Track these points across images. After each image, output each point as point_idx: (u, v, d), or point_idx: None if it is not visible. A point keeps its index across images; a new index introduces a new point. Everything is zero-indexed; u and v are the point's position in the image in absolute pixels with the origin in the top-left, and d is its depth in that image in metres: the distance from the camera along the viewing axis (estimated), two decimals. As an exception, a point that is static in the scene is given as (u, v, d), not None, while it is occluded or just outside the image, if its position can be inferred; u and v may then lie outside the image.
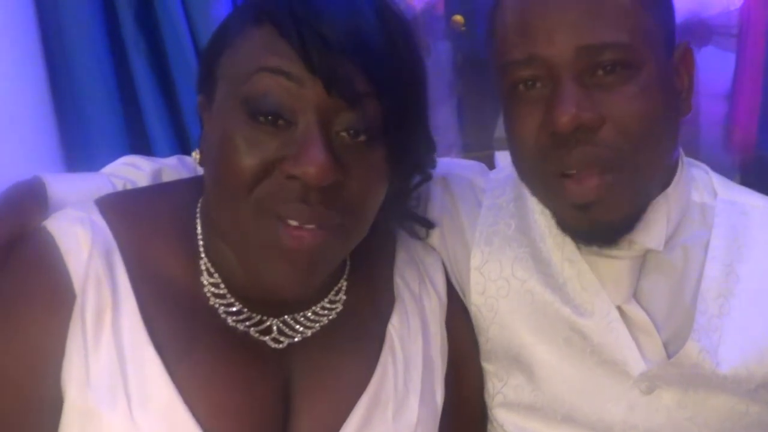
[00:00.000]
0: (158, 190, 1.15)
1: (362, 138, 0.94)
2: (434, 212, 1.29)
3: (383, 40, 0.93)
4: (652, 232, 1.13)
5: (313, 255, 0.94)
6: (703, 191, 1.22)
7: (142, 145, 1.60)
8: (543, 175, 1.08)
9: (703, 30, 2.68)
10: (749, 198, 1.23)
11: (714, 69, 2.66)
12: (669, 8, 1.12)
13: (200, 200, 1.08)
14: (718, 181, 1.25)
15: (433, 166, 1.15)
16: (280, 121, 0.91)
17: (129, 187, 1.14)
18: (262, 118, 0.90)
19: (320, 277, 1.00)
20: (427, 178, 1.16)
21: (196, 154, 1.03)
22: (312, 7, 0.90)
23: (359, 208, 0.97)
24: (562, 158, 1.04)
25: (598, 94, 1.02)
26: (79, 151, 1.58)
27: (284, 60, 0.89)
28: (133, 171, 1.18)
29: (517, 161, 1.14)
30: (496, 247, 1.24)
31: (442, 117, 2.99)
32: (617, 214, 1.06)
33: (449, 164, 1.37)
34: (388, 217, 1.10)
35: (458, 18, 2.87)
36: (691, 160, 1.25)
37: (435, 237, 1.28)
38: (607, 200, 1.04)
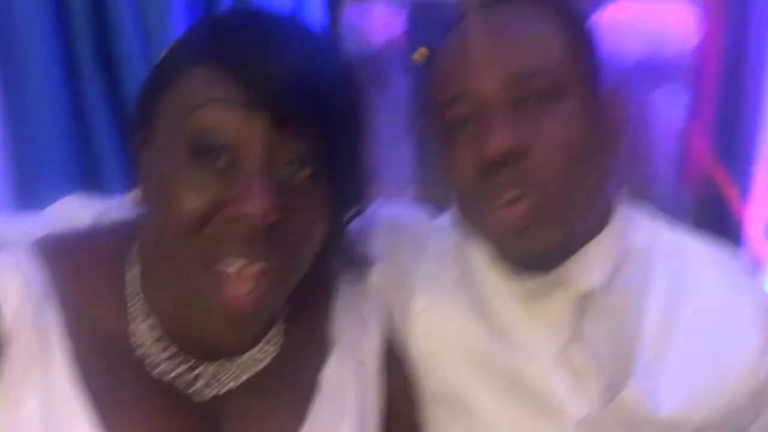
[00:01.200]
0: (97, 231, 1.13)
1: (306, 172, 0.94)
2: (377, 257, 1.30)
3: (326, 74, 0.94)
4: (589, 274, 1.15)
5: (255, 307, 0.94)
6: (644, 234, 1.24)
7: (93, 180, 1.60)
8: (477, 207, 1.11)
9: (658, 69, 2.73)
10: (690, 241, 1.26)
11: (669, 107, 2.70)
12: (593, 48, 1.16)
13: (137, 241, 1.07)
14: (659, 223, 1.27)
15: (369, 204, 1.16)
16: (224, 159, 0.90)
17: (71, 227, 1.12)
18: (203, 158, 0.90)
19: (260, 326, 1.02)
20: (362, 212, 1.15)
21: (134, 196, 1.02)
22: (256, 43, 0.91)
23: (301, 245, 0.97)
24: (492, 187, 1.06)
25: (525, 122, 1.05)
26: (30, 185, 1.57)
27: (230, 91, 0.89)
28: (75, 212, 1.17)
29: (456, 202, 1.17)
30: (438, 293, 1.25)
31: (400, 152, 3.01)
32: (547, 241, 1.08)
33: (393, 210, 1.39)
34: (326, 256, 1.10)
35: (422, 51, 2.89)
36: (634, 202, 1.27)
37: (376, 282, 1.28)
38: (535, 227, 1.06)
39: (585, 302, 1.18)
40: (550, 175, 1.05)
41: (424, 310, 1.25)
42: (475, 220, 1.15)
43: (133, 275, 1.05)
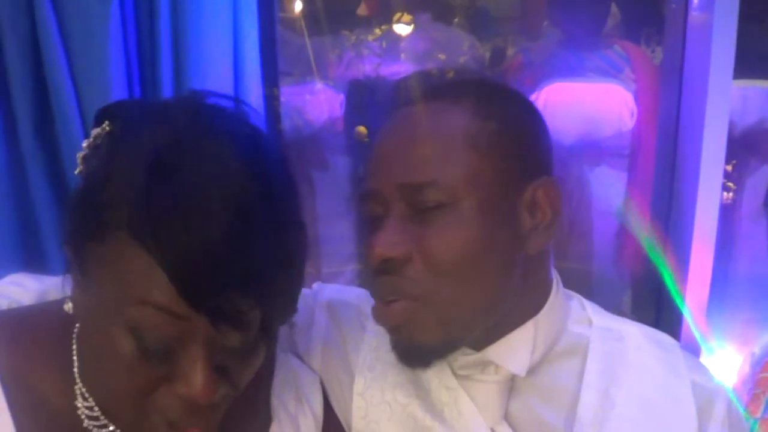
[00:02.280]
0: (40, 310, 1.11)
1: (248, 349, 0.93)
2: (318, 338, 1.29)
3: (266, 255, 0.88)
4: (514, 357, 1.14)
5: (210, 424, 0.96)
6: (578, 320, 1.24)
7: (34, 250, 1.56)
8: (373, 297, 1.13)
9: (596, 150, 2.79)
10: (623, 325, 1.26)
11: (606, 187, 2.76)
12: (519, 142, 1.12)
13: (77, 325, 1.05)
14: (592, 309, 1.27)
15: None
16: (164, 351, 0.88)
17: (14, 306, 1.11)
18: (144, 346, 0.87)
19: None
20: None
21: (68, 307, 0.98)
22: (191, 240, 0.84)
23: (243, 383, 0.97)
24: (377, 284, 1.08)
25: (415, 228, 1.05)
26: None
27: (168, 297, 0.84)
28: (19, 291, 1.14)
29: None
30: (378, 373, 1.23)
31: (340, 230, 3.02)
32: (424, 339, 1.08)
33: (335, 290, 1.38)
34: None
35: (362, 129, 2.92)
36: (567, 291, 1.27)
37: (317, 361, 1.27)
38: (412, 324, 1.07)
39: (514, 382, 1.17)
40: (428, 282, 1.06)
41: (364, 392, 1.23)
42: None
43: (74, 357, 1.04)
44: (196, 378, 0.87)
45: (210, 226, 0.83)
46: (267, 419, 1.15)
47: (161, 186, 0.85)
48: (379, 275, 1.07)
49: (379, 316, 1.09)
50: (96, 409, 1.01)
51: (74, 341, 1.04)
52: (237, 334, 0.89)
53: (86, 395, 1.01)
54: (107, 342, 0.88)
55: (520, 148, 1.12)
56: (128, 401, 0.91)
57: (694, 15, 1.86)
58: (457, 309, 1.08)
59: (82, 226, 0.91)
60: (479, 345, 1.14)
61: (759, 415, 1.36)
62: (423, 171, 1.05)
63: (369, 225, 1.12)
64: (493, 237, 1.07)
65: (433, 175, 1.05)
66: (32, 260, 1.55)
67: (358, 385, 1.23)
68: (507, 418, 1.16)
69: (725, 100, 1.80)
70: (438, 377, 1.20)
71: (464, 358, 1.16)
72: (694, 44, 1.87)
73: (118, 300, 0.87)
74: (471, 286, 1.07)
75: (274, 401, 1.17)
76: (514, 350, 1.14)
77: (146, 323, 0.86)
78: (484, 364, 1.15)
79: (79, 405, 1.01)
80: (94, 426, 1.01)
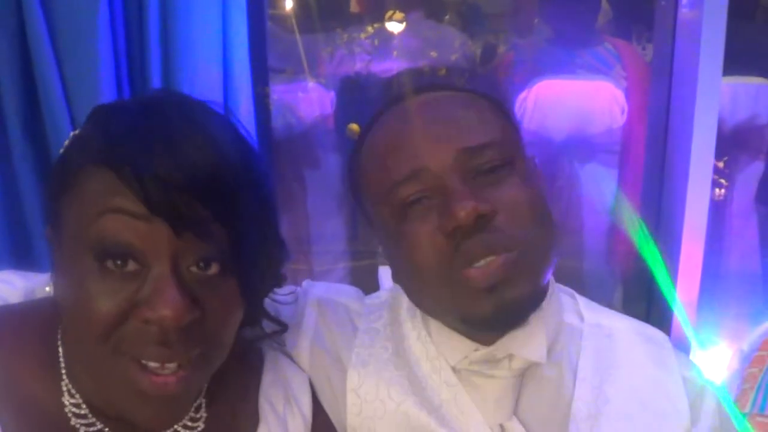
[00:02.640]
0: (26, 308, 1.11)
1: (214, 270, 0.93)
2: (307, 335, 1.29)
3: (222, 170, 0.92)
4: (533, 344, 1.15)
5: (176, 396, 0.94)
6: (571, 314, 1.26)
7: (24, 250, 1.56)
8: (446, 276, 1.10)
9: (587, 147, 2.80)
10: (613, 320, 1.28)
11: (597, 184, 2.77)
12: (517, 124, 1.22)
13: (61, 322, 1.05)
14: (584, 304, 1.30)
15: (284, 280, 1.16)
16: (131, 265, 0.89)
17: (1, 304, 1.11)
18: (111, 264, 0.88)
19: (185, 410, 1.02)
20: (279, 285, 1.16)
21: (49, 288, 1.00)
22: (147, 148, 0.88)
23: (218, 337, 0.97)
24: (463, 253, 1.07)
25: (485, 189, 1.08)
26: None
27: (128, 201, 0.87)
28: (6, 288, 1.15)
29: (416, 277, 1.15)
30: (372, 370, 1.24)
31: (332, 228, 3.02)
32: (522, 290, 1.09)
33: (324, 288, 1.39)
34: (246, 329, 1.12)
35: (354, 127, 2.92)
36: (559, 285, 1.29)
37: (305, 359, 1.27)
38: (511, 278, 1.07)
39: (524, 376, 1.19)
40: (517, 233, 1.08)
41: (358, 388, 1.24)
42: (440, 289, 1.13)
43: (60, 355, 1.04)
44: (163, 295, 0.88)
45: (170, 133, 0.90)
46: (255, 420, 1.15)
47: (122, 115, 0.94)
48: (466, 237, 1.06)
49: (477, 277, 1.07)
50: (83, 406, 1.02)
51: (60, 338, 1.05)
52: (201, 244, 0.90)
53: (73, 392, 1.02)
54: (77, 283, 0.90)
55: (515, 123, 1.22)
56: (99, 348, 0.90)
57: (684, 12, 1.86)
58: (542, 256, 1.12)
59: (55, 185, 0.95)
60: (489, 340, 1.15)
61: (747, 410, 1.36)
62: (478, 134, 1.11)
63: (409, 210, 1.11)
64: (541, 190, 1.15)
65: (487, 137, 1.11)
66: (20, 258, 1.54)
67: (352, 380, 1.24)
68: (516, 413, 1.18)
69: (714, 96, 1.80)
70: (437, 375, 1.21)
71: (476, 354, 1.16)
72: (684, 41, 1.87)
73: (84, 226, 0.89)
74: (546, 234, 1.12)
75: (262, 401, 1.17)
76: (530, 338, 1.15)
77: (109, 230, 0.88)
78: (496, 360, 1.16)
79: (66, 402, 1.01)
80: (81, 424, 1.01)
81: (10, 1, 1.46)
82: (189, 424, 1.09)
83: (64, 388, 1.02)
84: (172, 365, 0.92)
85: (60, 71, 1.48)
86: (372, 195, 1.17)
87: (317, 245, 2.99)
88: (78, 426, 1.01)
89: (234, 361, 1.06)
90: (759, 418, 1.34)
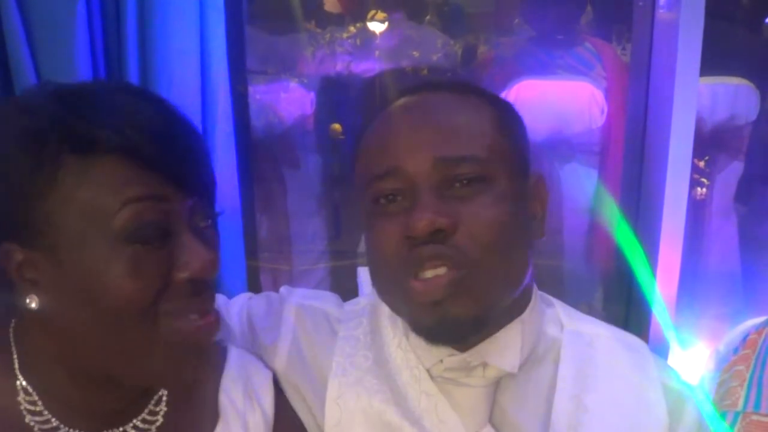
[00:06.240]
0: None
1: (209, 223, 1.03)
2: (285, 338, 1.28)
3: (196, 134, 1.04)
4: (506, 354, 1.15)
5: (210, 340, 1.04)
6: (551, 324, 1.25)
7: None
8: (397, 277, 1.10)
9: (566, 147, 2.80)
10: (594, 328, 1.27)
11: (577, 184, 2.77)
12: (522, 137, 1.19)
13: (12, 322, 1.06)
14: (564, 313, 1.28)
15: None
16: (156, 240, 0.94)
17: None
18: (138, 245, 0.92)
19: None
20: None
21: (33, 302, 0.96)
22: (154, 132, 0.95)
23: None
24: (415, 259, 1.06)
25: (454, 203, 1.07)
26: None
27: (150, 186, 0.93)
28: None
29: (375, 272, 1.16)
30: (353, 379, 1.23)
31: (312, 228, 3.02)
32: (466, 311, 1.07)
33: (303, 295, 1.38)
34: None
35: (336, 127, 2.92)
36: (541, 293, 1.28)
37: (281, 364, 1.27)
38: (455, 297, 1.06)
39: (499, 386, 1.18)
40: (472, 252, 1.06)
41: (338, 397, 1.23)
42: (394, 290, 1.14)
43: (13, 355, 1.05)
44: (198, 253, 0.97)
45: (156, 114, 0.98)
46: (215, 414, 1.16)
47: (101, 101, 0.98)
48: (420, 245, 1.06)
49: (420, 290, 1.07)
50: (39, 403, 1.03)
51: (12, 338, 1.05)
52: (203, 206, 1.01)
53: (29, 390, 1.03)
54: (101, 271, 0.92)
55: (525, 144, 1.19)
56: (139, 323, 0.94)
57: (661, 12, 1.87)
58: (496, 280, 1.09)
59: (32, 186, 0.93)
60: (461, 339, 1.14)
61: (740, 408, 1.37)
62: (459, 145, 1.09)
63: (380, 206, 1.11)
64: (519, 215, 1.11)
65: (469, 150, 1.08)
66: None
67: (332, 390, 1.23)
68: (491, 421, 1.17)
69: (692, 96, 1.82)
70: (417, 384, 1.20)
71: (451, 359, 1.15)
72: (661, 42, 1.88)
73: (101, 218, 0.92)
74: (508, 257, 1.10)
75: (222, 398, 1.17)
76: (505, 348, 1.15)
77: (136, 218, 0.92)
78: (471, 368, 1.15)
79: (22, 401, 1.02)
80: (36, 422, 1.02)
81: (-14, 4, 1.44)
82: (148, 418, 1.09)
83: (19, 388, 1.02)
84: (211, 312, 1.02)
85: (37, 71, 1.47)
86: (358, 184, 1.17)
87: (298, 245, 2.99)
88: (33, 424, 1.02)
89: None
90: (755, 416, 1.35)
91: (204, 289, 0.99)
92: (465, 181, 1.08)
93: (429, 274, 1.06)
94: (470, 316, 1.08)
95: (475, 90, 1.19)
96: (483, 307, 1.09)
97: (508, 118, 1.17)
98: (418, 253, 1.06)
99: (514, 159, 1.14)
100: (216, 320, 1.03)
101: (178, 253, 0.96)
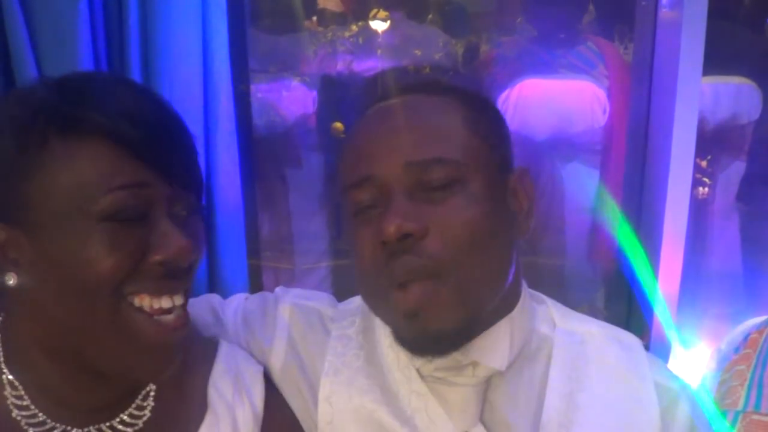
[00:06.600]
0: None
1: (191, 213, 1.05)
2: (281, 340, 1.29)
3: (179, 122, 1.05)
4: (495, 353, 1.14)
5: (175, 345, 1.04)
6: (542, 322, 1.25)
7: None
8: (377, 288, 1.10)
9: (568, 147, 2.80)
10: (586, 326, 1.26)
11: (579, 183, 2.77)
12: (500, 134, 1.18)
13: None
14: (556, 311, 1.28)
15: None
16: (134, 223, 0.97)
17: None
18: (116, 224, 0.94)
19: (176, 363, 1.06)
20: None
21: (11, 279, 0.98)
22: (140, 118, 0.98)
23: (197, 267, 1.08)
24: (390, 270, 1.06)
25: (426, 207, 1.06)
26: None
27: (133, 173, 0.96)
28: None
29: (358, 280, 1.16)
30: (344, 378, 1.23)
31: (314, 227, 3.01)
32: (444, 322, 1.07)
33: (297, 295, 1.38)
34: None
35: (338, 125, 2.92)
36: (532, 291, 1.28)
37: (278, 363, 1.27)
38: (432, 308, 1.05)
39: (489, 384, 1.18)
40: (446, 258, 1.06)
41: (330, 396, 1.23)
42: (376, 300, 1.14)
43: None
44: (172, 238, 0.98)
45: (147, 101, 1.02)
46: (203, 408, 1.16)
47: (95, 87, 1.01)
48: (393, 257, 1.05)
49: (396, 302, 1.06)
50: (26, 397, 1.03)
51: None
52: (186, 194, 1.03)
53: (16, 383, 1.04)
54: (76, 249, 0.94)
55: (504, 140, 1.18)
56: (108, 304, 0.96)
57: (664, 12, 1.87)
58: (475, 284, 1.08)
59: (18, 168, 0.96)
60: (446, 349, 1.12)
61: (740, 407, 1.37)
62: (429, 148, 1.08)
63: (359, 215, 1.11)
64: (497, 215, 1.11)
65: (439, 152, 1.08)
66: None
67: (324, 390, 1.23)
68: (481, 420, 1.17)
69: (694, 96, 1.82)
70: (408, 383, 1.20)
71: (440, 359, 1.14)
72: (664, 41, 1.88)
73: (83, 201, 0.94)
74: (486, 259, 1.09)
75: (211, 390, 1.17)
76: (494, 346, 1.14)
77: (119, 203, 0.94)
78: (461, 367, 1.14)
79: (8, 396, 1.03)
80: (23, 416, 1.03)
81: (-10, 5, 1.45)
82: (135, 412, 1.10)
83: (5, 382, 1.03)
84: (179, 299, 1.02)
85: (39, 71, 1.47)
86: (341, 193, 1.17)
87: (300, 244, 2.99)
88: (19, 418, 1.02)
89: (184, 352, 1.08)
90: (755, 416, 1.35)
91: (179, 276, 1.01)
92: (436, 184, 1.07)
93: (401, 282, 1.06)
94: (449, 329, 1.07)
95: (447, 90, 1.19)
96: (463, 319, 1.08)
97: (482, 115, 1.16)
98: (393, 268, 1.06)
99: (490, 157, 1.13)
100: (182, 324, 1.03)
101: (154, 238, 0.97)
